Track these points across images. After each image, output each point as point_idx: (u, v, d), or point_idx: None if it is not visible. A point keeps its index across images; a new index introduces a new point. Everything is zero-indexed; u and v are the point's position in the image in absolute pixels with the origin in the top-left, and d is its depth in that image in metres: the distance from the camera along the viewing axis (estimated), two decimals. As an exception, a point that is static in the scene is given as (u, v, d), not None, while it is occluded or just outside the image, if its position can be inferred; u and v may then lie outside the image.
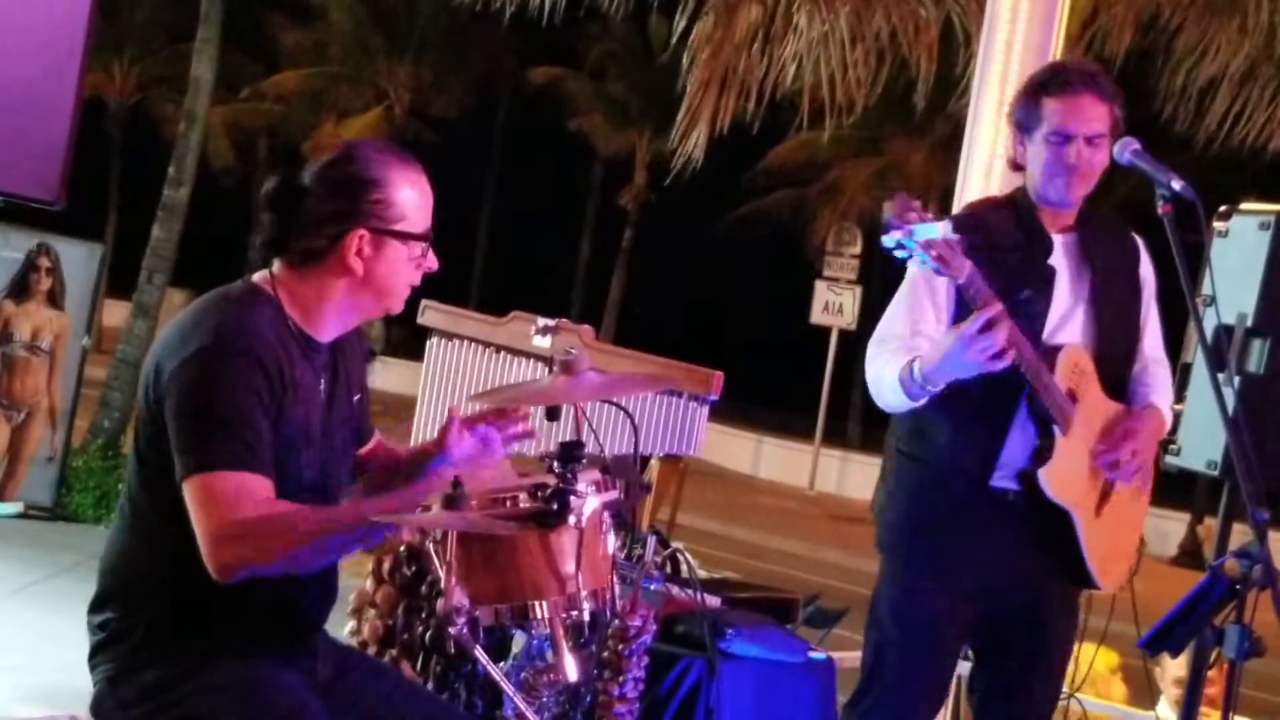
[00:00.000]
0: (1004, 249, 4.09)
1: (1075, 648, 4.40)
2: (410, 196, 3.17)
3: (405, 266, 3.19)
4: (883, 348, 4.10)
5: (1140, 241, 4.29)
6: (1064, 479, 4.03)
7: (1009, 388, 3.94)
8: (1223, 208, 4.52)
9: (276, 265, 3.19)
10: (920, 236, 3.51)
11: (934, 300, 4.10)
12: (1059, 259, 4.14)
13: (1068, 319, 4.13)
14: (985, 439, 4.07)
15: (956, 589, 4.13)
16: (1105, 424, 4.12)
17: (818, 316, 25.40)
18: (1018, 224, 4.17)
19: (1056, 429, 4.00)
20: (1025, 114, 4.15)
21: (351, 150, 3.19)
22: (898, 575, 4.27)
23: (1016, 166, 4.23)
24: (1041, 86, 4.15)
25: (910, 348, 3.99)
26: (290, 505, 3.00)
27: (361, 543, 3.09)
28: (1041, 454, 4.03)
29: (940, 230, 3.53)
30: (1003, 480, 4.07)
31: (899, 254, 3.56)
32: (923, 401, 3.96)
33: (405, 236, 3.16)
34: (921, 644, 4.18)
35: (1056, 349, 4.05)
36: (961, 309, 3.95)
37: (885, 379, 4.01)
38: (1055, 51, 5.94)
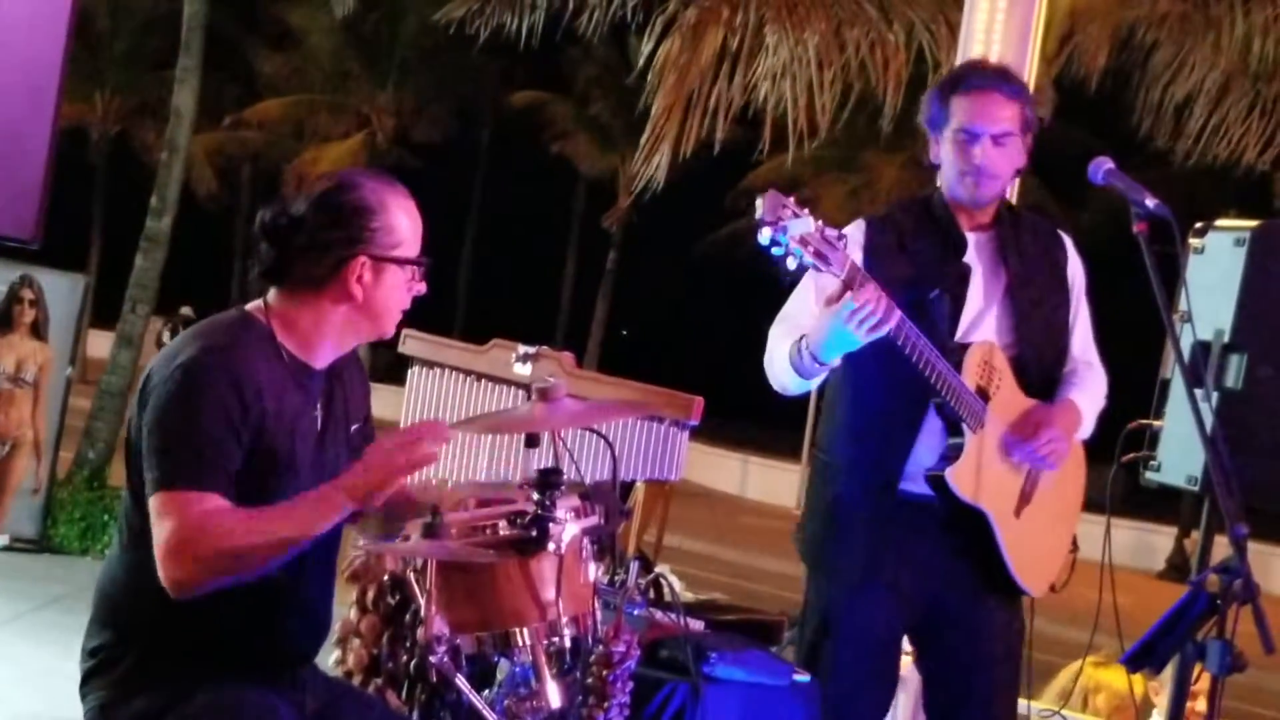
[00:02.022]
0: (915, 248, 4.12)
1: (1027, 652, 4.32)
2: (406, 223, 3.25)
3: (401, 291, 3.26)
4: (778, 328, 4.11)
5: (1068, 241, 4.29)
6: (974, 478, 4.00)
7: (913, 391, 3.93)
8: (1198, 224, 4.53)
9: (271, 294, 3.25)
10: (794, 232, 3.49)
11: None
12: (973, 257, 4.15)
13: (983, 316, 4.15)
14: (888, 445, 4.08)
15: (880, 597, 4.12)
16: (1019, 420, 4.09)
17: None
18: (930, 223, 4.19)
19: (965, 428, 3.99)
20: (935, 112, 4.16)
21: (348, 179, 3.25)
22: (821, 589, 4.29)
23: (934, 166, 4.25)
24: (950, 84, 4.17)
25: (801, 326, 3.97)
26: (230, 513, 3.00)
27: (303, 542, 3.07)
28: (950, 455, 4.01)
29: (813, 225, 3.51)
30: (917, 485, 4.06)
31: (775, 251, 3.51)
32: (816, 379, 3.96)
33: (404, 262, 3.24)
34: (853, 652, 4.19)
35: (965, 346, 4.04)
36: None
37: (776, 358, 4.02)
38: (1030, 71, 5.96)
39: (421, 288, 3.32)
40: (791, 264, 3.56)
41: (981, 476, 4.01)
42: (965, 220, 4.18)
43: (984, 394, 4.02)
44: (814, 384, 4.05)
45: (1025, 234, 4.23)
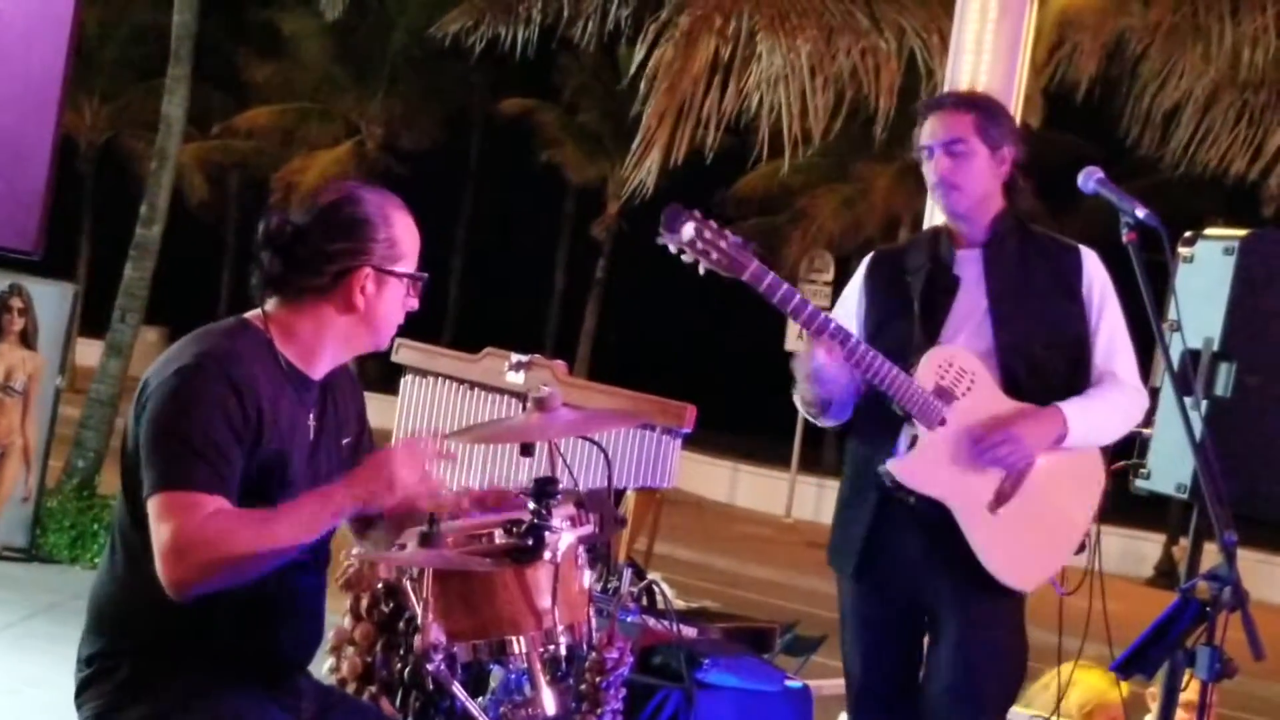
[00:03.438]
0: (914, 268, 4.34)
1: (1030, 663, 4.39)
2: (407, 237, 3.31)
3: (399, 304, 3.32)
4: None
5: (1089, 256, 4.35)
6: (929, 470, 4.14)
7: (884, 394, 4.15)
8: (1187, 233, 4.56)
9: (270, 303, 3.27)
10: (685, 238, 3.85)
11: (844, 311, 4.42)
12: (963, 270, 4.29)
13: (965, 323, 4.25)
14: (871, 446, 4.28)
15: (879, 591, 4.32)
16: (1004, 418, 4.17)
17: (792, 343, 25.35)
18: (930, 245, 4.40)
19: (918, 424, 4.12)
20: (916, 143, 4.35)
21: (352, 192, 3.30)
22: (838, 589, 4.47)
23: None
24: (919, 115, 4.37)
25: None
26: (231, 514, 3.02)
27: (304, 544, 3.09)
28: (908, 449, 4.18)
29: (692, 229, 3.87)
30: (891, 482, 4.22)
31: (685, 258, 3.92)
32: (823, 414, 4.31)
33: (406, 276, 3.29)
34: (859, 645, 4.38)
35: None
36: (870, 309, 4.35)
37: (797, 400, 4.34)
38: (1020, 80, 6.00)
39: (414, 303, 3.36)
40: (701, 268, 3.98)
41: (941, 471, 4.14)
42: (961, 238, 4.34)
43: (948, 394, 4.14)
44: (828, 418, 4.36)
45: (1033, 249, 4.33)
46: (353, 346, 3.33)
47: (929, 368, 4.15)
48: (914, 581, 4.25)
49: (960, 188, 4.24)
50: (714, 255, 3.92)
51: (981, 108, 4.30)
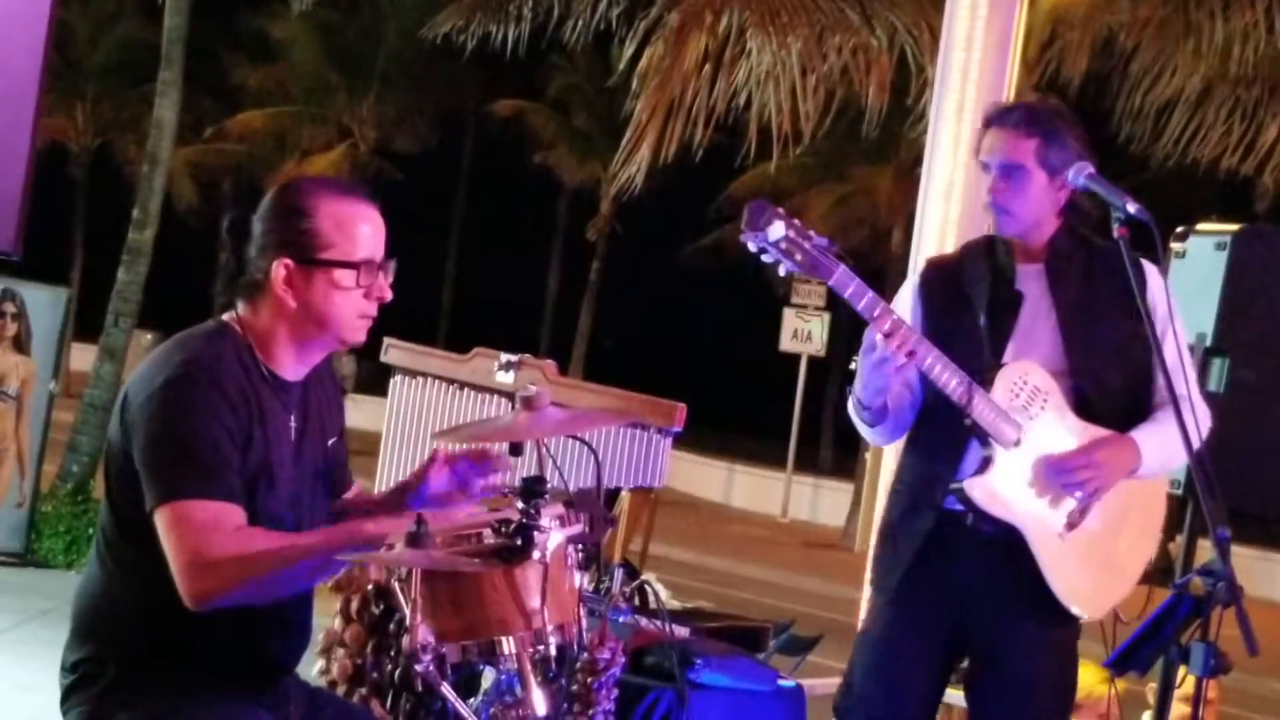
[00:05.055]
0: (972, 280, 4.18)
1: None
2: (340, 225, 3.16)
3: (344, 296, 3.18)
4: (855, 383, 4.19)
5: (1153, 271, 4.16)
6: (1001, 491, 4.00)
7: (954, 413, 3.98)
8: (1179, 229, 4.55)
9: (239, 304, 3.22)
10: (772, 238, 3.64)
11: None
12: (1026, 285, 4.15)
13: (1032, 341, 4.12)
14: (932, 464, 4.14)
15: (916, 610, 4.16)
16: (1078, 440, 4.07)
17: (787, 344, 25.40)
18: (989, 258, 4.22)
19: (994, 444, 3.99)
20: (977, 150, 4.23)
21: (291, 182, 3.25)
22: (870, 602, 4.34)
23: None
24: (983, 122, 4.23)
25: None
26: (260, 533, 3.02)
27: (331, 570, 3.09)
28: (981, 469, 4.03)
29: (784, 229, 3.65)
30: (954, 503, 4.08)
31: (765, 258, 3.70)
32: (875, 423, 4.12)
33: (330, 264, 3.15)
34: (880, 674, 4.22)
35: (1001, 367, 4.06)
36: (928, 322, 4.14)
37: (850, 407, 4.15)
38: (1011, 77, 5.97)
39: (384, 293, 3.22)
40: (782, 269, 3.75)
41: (1014, 492, 4.01)
42: (1020, 252, 4.19)
43: (1023, 413, 4.02)
44: (880, 430, 4.19)
45: (1097, 263, 4.18)
46: (310, 344, 3.24)
47: (1003, 384, 4.01)
48: (963, 607, 4.12)
49: (1012, 213, 4.11)
50: (798, 256, 3.70)
51: (1047, 131, 4.09)
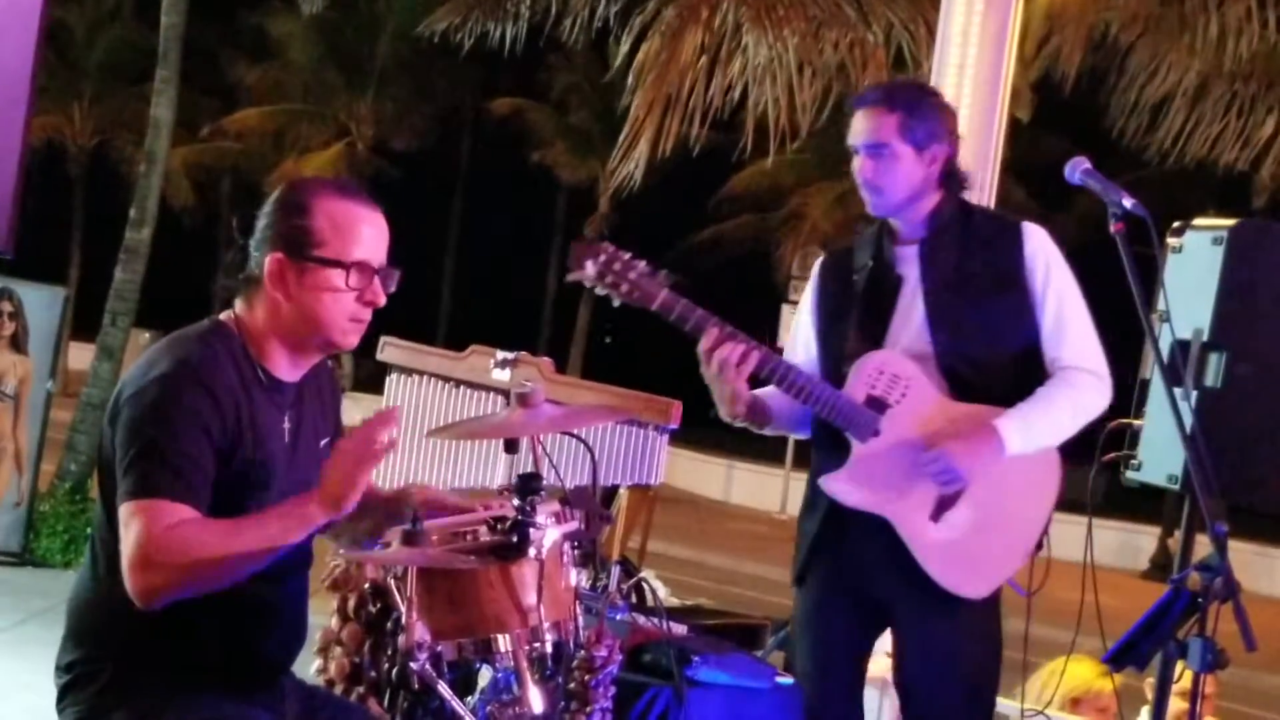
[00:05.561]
0: (860, 269, 4.23)
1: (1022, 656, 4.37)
2: (336, 224, 3.14)
3: (334, 297, 3.15)
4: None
5: (1031, 235, 4.15)
6: (861, 484, 4.06)
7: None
8: (1176, 224, 4.54)
9: (237, 301, 3.22)
10: (589, 277, 3.80)
11: (803, 320, 4.38)
12: (906, 267, 4.17)
13: (906, 323, 4.14)
14: (820, 463, 4.24)
15: (831, 605, 4.27)
16: (941, 425, 4.05)
17: (785, 341, 25.34)
18: (873, 243, 4.27)
19: (851, 439, 4.05)
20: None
21: (293, 181, 3.27)
22: (795, 600, 4.43)
23: None
24: (848, 108, 4.30)
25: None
26: (208, 524, 2.98)
27: (273, 555, 3.03)
28: (842, 464, 4.10)
29: (593, 269, 3.80)
30: None
31: (599, 292, 3.86)
32: (761, 426, 4.30)
33: (321, 262, 3.13)
34: (810, 661, 4.34)
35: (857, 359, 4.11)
36: (818, 313, 4.29)
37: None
38: (1007, 73, 5.96)
39: (377, 298, 3.20)
40: (615, 303, 3.95)
41: (876, 484, 4.05)
42: (902, 233, 4.21)
43: (880, 403, 4.04)
44: (775, 430, 4.38)
45: (972, 239, 4.16)
46: (303, 344, 3.22)
47: (859, 377, 4.06)
48: (864, 576, 4.17)
49: (882, 191, 4.13)
50: (623, 287, 3.85)
51: (906, 107, 4.11)
